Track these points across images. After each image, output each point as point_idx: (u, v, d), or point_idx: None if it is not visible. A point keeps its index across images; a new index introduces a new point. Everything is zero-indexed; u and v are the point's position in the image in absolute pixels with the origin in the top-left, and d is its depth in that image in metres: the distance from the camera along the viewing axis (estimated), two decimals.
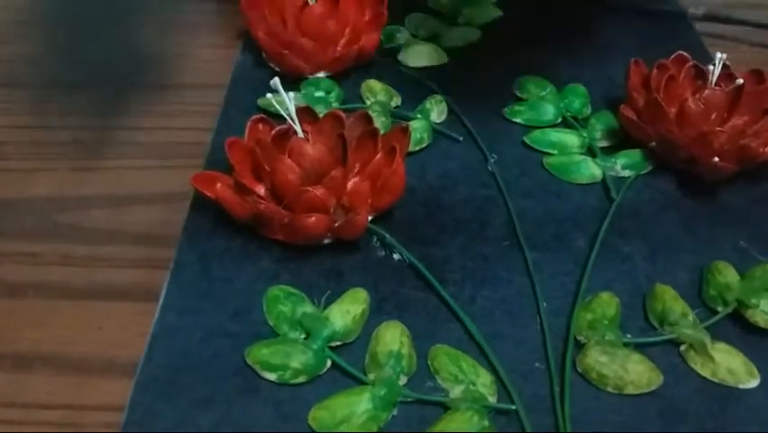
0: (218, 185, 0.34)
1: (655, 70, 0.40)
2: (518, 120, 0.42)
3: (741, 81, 0.39)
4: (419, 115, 0.42)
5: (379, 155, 0.35)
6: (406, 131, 0.36)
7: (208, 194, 0.34)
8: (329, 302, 0.32)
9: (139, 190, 0.38)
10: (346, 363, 0.29)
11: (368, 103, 0.42)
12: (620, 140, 0.41)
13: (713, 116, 0.39)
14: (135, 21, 0.51)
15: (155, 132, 0.42)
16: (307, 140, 0.34)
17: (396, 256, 0.34)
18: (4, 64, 0.47)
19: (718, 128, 0.37)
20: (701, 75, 0.40)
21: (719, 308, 0.32)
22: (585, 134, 0.41)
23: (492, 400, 0.28)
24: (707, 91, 0.39)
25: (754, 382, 0.30)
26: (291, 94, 0.35)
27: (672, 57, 0.41)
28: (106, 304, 0.32)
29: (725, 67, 0.40)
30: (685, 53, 0.41)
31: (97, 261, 0.34)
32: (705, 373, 0.30)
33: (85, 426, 0.28)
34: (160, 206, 0.37)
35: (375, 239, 0.35)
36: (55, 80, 0.46)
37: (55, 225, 0.36)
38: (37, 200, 0.37)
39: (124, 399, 0.28)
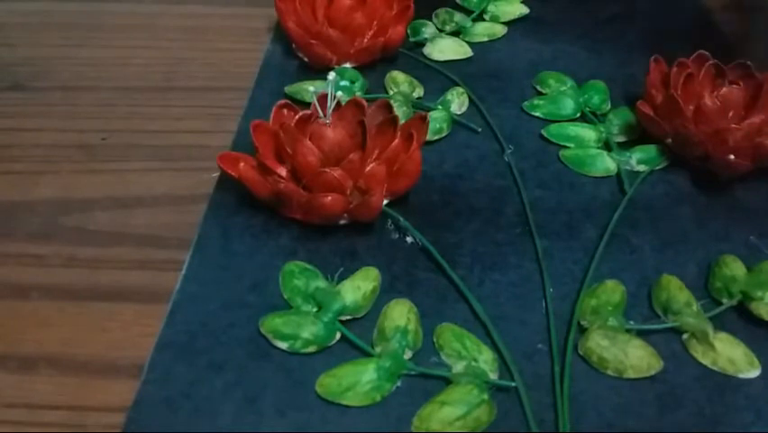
0: (241, 164, 0.35)
1: (675, 68, 0.40)
2: (537, 114, 0.43)
3: (760, 80, 0.39)
4: (440, 106, 0.43)
5: (396, 141, 0.36)
6: (424, 119, 0.37)
7: (232, 173, 0.36)
8: (342, 279, 0.33)
9: (143, 193, 0.38)
10: (355, 336, 0.31)
11: (391, 93, 0.44)
12: (637, 135, 0.42)
13: (730, 114, 0.39)
14: (140, 24, 0.52)
15: (159, 134, 0.42)
16: (329, 125, 0.36)
17: (409, 239, 0.35)
18: (9, 68, 0.47)
19: (734, 125, 0.38)
20: (721, 73, 0.40)
21: (724, 300, 0.33)
22: (602, 129, 0.42)
23: (493, 376, 0.29)
24: (724, 89, 0.39)
25: (754, 372, 0.30)
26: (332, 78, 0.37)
27: (693, 56, 0.41)
28: (110, 306, 0.32)
29: (745, 66, 0.40)
30: (706, 52, 0.41)
31: (102, 263, 0.34)
32: (705, 361, 0.30)
33: (88, 427, 0.28)
34: (165, 208, 0.37)
35: (390, 222, 0.36)
36: (60, 83, 0.46)
37: (60, 228, 0.36)
38: (42, 203, 0.37)
39: (128, 400, 0.28)
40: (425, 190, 0.38)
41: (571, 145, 0.41)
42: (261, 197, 0.36)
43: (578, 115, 0.43)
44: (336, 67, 0.45)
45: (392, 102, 0.39)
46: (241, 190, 0.36)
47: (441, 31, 0.50)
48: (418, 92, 0.44)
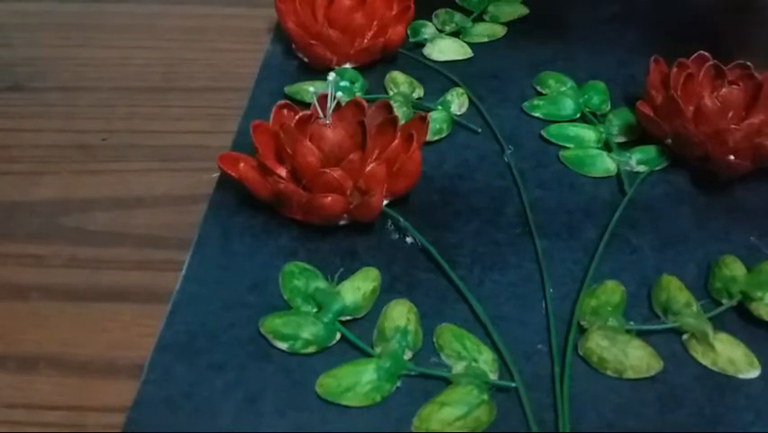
0: (241, 165, 0.35)
1: (675, 69, 0.40)
2: (537, 114, 0.43)
3: (760, 80, 0.39)
4: (440, 107, 0.43)
5: (396, 141, 0.36)
6: (424, 120, 0.37)
7: (232, 173, 0.36)
8: (342, 279, 0.33)
9: (143, 193, 0.38)
10: (355, 337, 0.31)
11: (391, 93, 0.44)
12: (637, 136, 0.42)
13: (730, 114, 0.39)
14: (140, 24, 0.52)
15: (159, 135, 0.42)
16: (329, 125, 0.36)
17: (409, 239, 0.35)
18: (8, 68, 0.47)
19: (734, 126, 0.38)
20: (721, 74, 0.40)
21: (724, 301, 0.33)
22: (602, 129, 0.42)
23: (493, 376, 0.29)
24: (724, 89, 0.39)
25: (754, 373, 0.30)
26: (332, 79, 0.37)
27: (693, 56, 0.41)
28: (110, 306, 0.33)
29: (745, 66, 0.40)
30: (705, 53, 0.41)
31: (101, 263, 0.34)
32: (705, 361, 0.30)
33: (88, 427, 0.28)
34: (164, 208, 0.37)
35: (389, 222, 0.36)
36: (60, 83, 0.46)
37: (59, 228, 0.36)
38: (42, 203, 0.37)
39: (128, 400, 0.29)
40: (425, 191, 0.38)
41: (571, 146, 0.41)
42: (261, 197, 0.36)
43: (578, 115, 0.43)
44: (336, 67, 0.45)
45: (392, 102, 0.39)
46: (241, 191, 0.36)
47: (441, 31, 0.50)
48: (418, 92, 0.44)
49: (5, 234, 0.36)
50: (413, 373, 0.30)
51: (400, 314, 0.31)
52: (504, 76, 0.47)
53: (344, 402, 0.29)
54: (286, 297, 0.32)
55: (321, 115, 0.36)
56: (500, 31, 0.51)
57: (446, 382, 0.29)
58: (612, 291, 0.33)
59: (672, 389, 0.30)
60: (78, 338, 0.31)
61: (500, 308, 0.32)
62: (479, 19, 0.52)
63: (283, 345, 0.30)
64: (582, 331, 0.31)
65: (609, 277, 0.34)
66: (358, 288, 0.32)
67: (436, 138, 0.41)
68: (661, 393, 0.29)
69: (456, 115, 0.43)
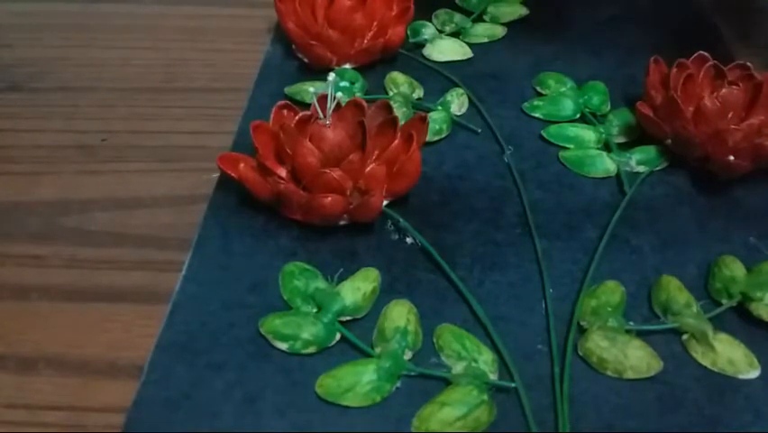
0: (241, 165, 0.35)
1: (674, 69, 0.40)
2: (537, 114, 0.43)
3: (759, 81, 0.39)
4: (440, 107, 0.43)
5: (396, 142, 0.36)
6: (424, 120, 0.37)
7: (232, 174, 0.36)
8: (341, 279, 0.33)
9: (143, 193, 0.38)
10: (354, 337, 0.31)
11: (391, 94, 0.44)
12: (637, 136, 0.42)
13: (729, 115, 0.39)
14: (140, 25, 0.52)
15: (159, 135, 0.42)
16: (329, 126, 0.36)
17: (409, 240, 0.35)
18: (8, 68, 0.47)
19: (734, 126, 0.38)
20: (720, 75, 0.41)
21: (724, 301, 0.33)
22: (602, 130, 0.42)
23: (493, 377, 0.29)
24: (724, 90, 0.39)
25: (754, 373, 0.30)
26: (332, 79, 0.37)
27: (693, 57, 0.41)
28: (110, 306, 0.33)
29: (745, 67, 0.40)
30: (705, 53, 0.41)
31: (101, 263, 0.35)
32: (705, 362, 0.30)
33: (88, 427, 0.28)
34: (164, 209, 0.37)
35: (389, 223, 0.36)
36: (59, 84, 0.46)
37: (59, 228, 0.36)
38: (42, 203, 0.37)
39: (128, 401, 0.29)
40: (424, 191, 0.38)
41: (571, 146, 0.41)
42: (261, 197, 0.36)
43: (577, 115, 0.43)
44: (336, 68, 0.46)
45: (392, 103, 0.39)
46: (241, 191, 0.36)
47: (441, 32, 0.50)
48: (418, 93, 0.44)
49: (5, 234, 0.36)
50: (413, 374, 0.30)
51: (400, 314, 0.31)
52: (504, 76, 0.47)
53: (344, 403, 0.29)
54: (286, 297, 0.32)
55: (321, 115, 0.36)
56: (500, 31, 0.51)
57: (446, 383, 0.29)
58: (612, 291, 0.33)
59: (672, 389, 0.30)
60: (78, 338, 0.31)
61: (500, 308, 0.32)
62: (478, 19, 0.52)
63: (283, 346, 0.30)
64: (582, 331, 0.31)
65: (609, 277, 0.34)
66: (358, 288, 0.32)
67: (436, 138, 0.41)
68: (661, 394, 0.29)
69: (456, 116, 0.43)
